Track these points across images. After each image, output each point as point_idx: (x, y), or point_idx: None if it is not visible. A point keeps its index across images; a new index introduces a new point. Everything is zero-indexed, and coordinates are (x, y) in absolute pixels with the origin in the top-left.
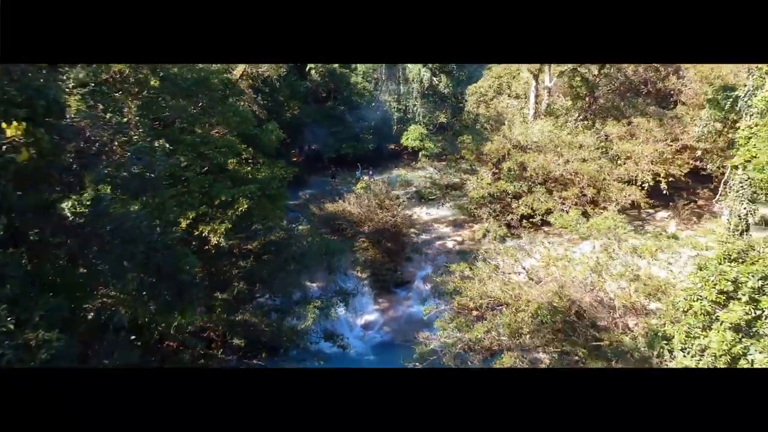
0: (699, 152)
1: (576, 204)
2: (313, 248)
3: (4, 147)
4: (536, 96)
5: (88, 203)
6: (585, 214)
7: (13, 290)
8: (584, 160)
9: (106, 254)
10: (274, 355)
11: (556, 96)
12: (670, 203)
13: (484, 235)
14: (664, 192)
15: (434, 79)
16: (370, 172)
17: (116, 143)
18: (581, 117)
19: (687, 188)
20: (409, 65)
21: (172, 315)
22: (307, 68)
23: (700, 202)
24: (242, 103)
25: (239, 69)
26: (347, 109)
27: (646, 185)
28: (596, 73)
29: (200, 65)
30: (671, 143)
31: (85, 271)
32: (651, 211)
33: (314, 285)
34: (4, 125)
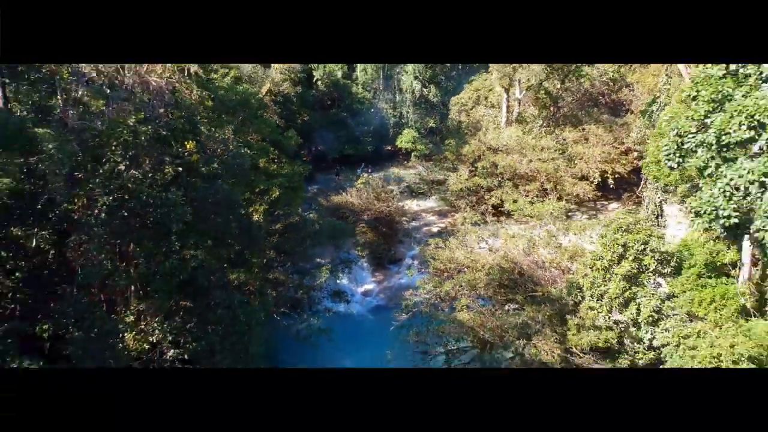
0: (637, 153)
1: (537, 196)
2: (324, 229)
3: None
4: (508, 106)
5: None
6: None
7: (179, 226)
8: (544, 161)
9: (214, 214)
10: (297, 307)
11: (526, 106)
12: (622, 197)
13: (463, 223)
14: (612, 186)
15: (424, 89)
16: (369, 170)
17: (219, 149)
18: (545, 124)
19: (632, 183)
20: (402, 77)
21: (246, 262)
22: (315, 79)
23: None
24: (267, 114)
25: (265, 87)
26: (349, 115)
27: (596, 181)
28: (559, 86)
29: (241, 87)
30: (617, 146)
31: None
32: (605, 202)
33: (325, 260)
34: (187, 144)
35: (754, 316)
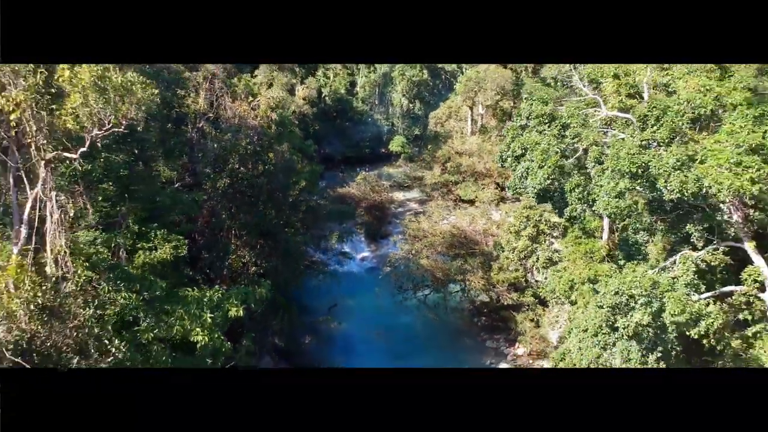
0: None
1: (491, 188)
2: (333, 212)
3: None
4: (473, 119)
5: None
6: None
7: (262, 199)
8: (496, 161)
9: (279, 193)
10: (316, 267)
11: (488, 119)
12: None
13: (435, 208)
14: None
15: (410, 104)
16: (366, 169)
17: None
18: (500, 133)
19: None
20: (393, 94)
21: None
22: (323, 95)
23: None
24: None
25: (290, 109)
26: (351, 124)
27: None
28: (513, 104)
29: (279, 111)
30: None
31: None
32: None
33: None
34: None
35: (608, 262)
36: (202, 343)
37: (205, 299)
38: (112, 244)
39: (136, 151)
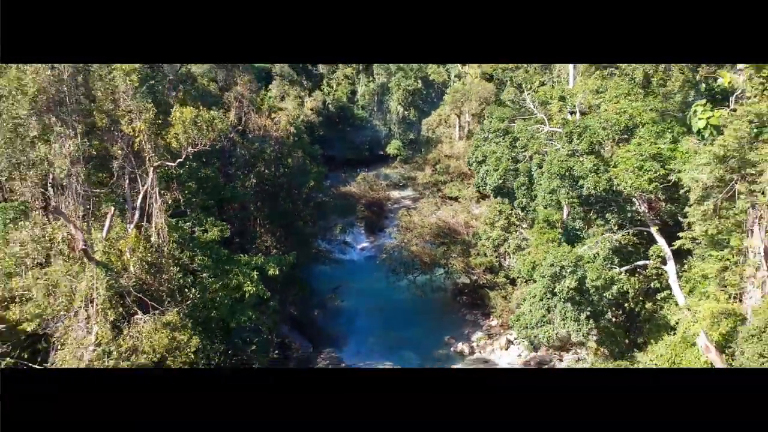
0: None
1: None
2: (337, 207)
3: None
4: (461, 126)
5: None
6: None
7: (282, 195)
8: None
9: (295, 190)
10: (322, 255)
11: (475, 125)
12: None
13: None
14: None
15: (405, 112)
16: (366, 170)
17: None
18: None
19: None
20: (390, 103)
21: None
22: (326, 103)
23: None
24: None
25: (299, 119)
26: (352, 129)
27: None
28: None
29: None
30: None
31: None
32: None
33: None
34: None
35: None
36: (251, 293)
37: (252, 262)
38: (190, 224)
39: (204, 159)
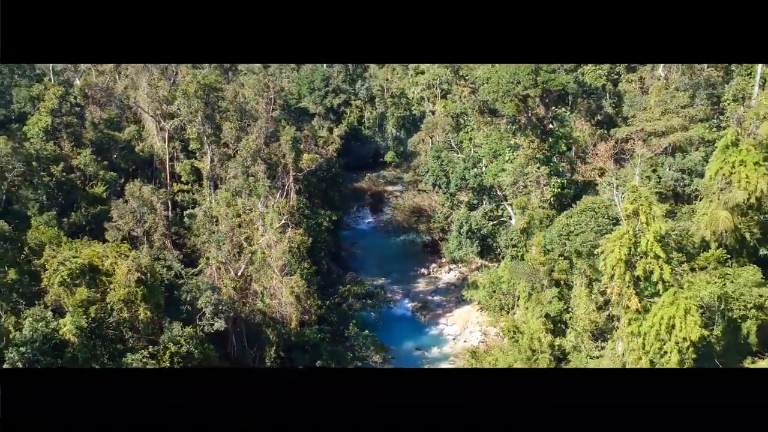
0: None
1: None
2: (352, 195)
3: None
4: (432, 144)
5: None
6: None
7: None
8: None
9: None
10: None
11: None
12: None
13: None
14: None
15: (398, 132)
16: (370, 172)
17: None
18: None
19: None
20: (387, 125)
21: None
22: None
23: None
24: None
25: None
26: (360, 144)
27: None
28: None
29: None
30: None
31: None
32: None
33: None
34: None
35: None
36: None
37: (327, 213)
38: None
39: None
